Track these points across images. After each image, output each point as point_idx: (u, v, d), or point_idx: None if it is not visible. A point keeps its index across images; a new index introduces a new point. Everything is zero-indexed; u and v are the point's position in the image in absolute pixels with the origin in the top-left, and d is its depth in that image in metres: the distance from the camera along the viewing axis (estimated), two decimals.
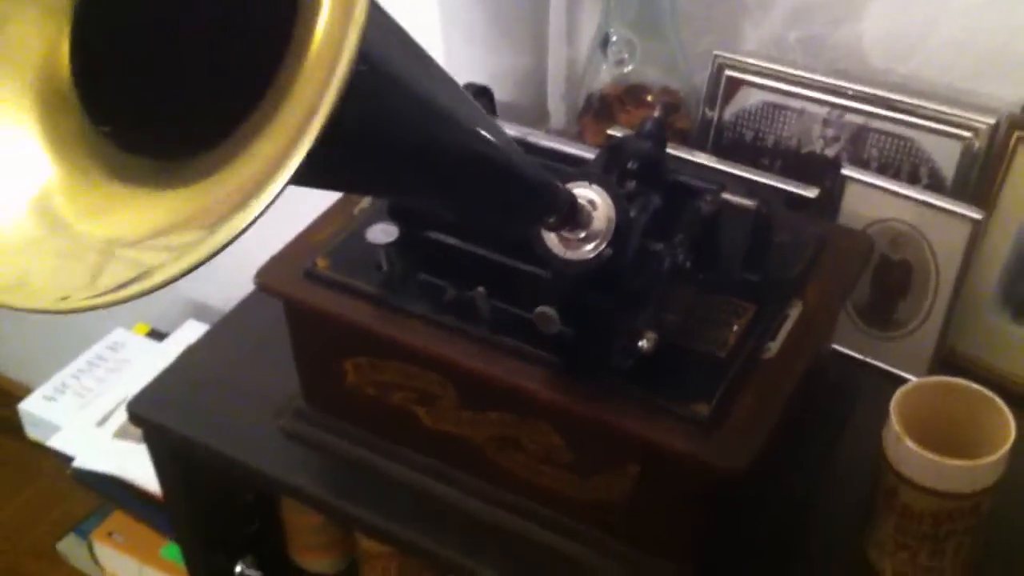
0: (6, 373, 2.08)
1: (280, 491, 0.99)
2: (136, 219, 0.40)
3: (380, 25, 0.44)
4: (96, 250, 0.39)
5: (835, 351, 0.96)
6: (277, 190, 0.35)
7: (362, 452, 0.91)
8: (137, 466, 1.35)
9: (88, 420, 1.44)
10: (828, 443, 0.91)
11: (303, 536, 1.13)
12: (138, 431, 0.99)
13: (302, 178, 0.37)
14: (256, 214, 0.35)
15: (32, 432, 1.49)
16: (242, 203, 0.35)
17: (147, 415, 0.97)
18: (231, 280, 1.02)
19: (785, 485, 0.87)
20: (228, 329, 1.04)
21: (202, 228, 0.36)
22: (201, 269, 0.93)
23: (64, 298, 0.38)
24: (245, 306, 1.05)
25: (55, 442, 1.42)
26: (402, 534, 0.87)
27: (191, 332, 1.54)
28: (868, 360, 0.96)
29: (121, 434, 1.41)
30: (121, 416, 1.43)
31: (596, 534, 0.82)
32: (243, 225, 0.35)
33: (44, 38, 0.44)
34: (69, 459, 1.39)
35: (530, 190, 0.65)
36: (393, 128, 0.45)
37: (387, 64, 0.45)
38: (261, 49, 0.38)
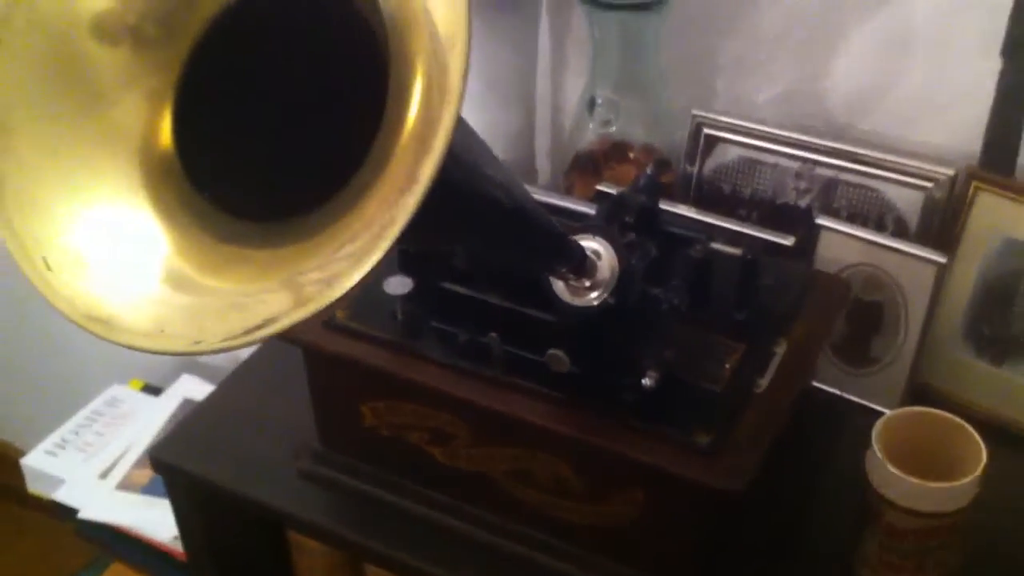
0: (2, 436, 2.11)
1: (297, 528, 1.04)
2: (254, 273, 0.46)
3: None
4: (222, 300, 0.45)
5: (814, 387, 1.03)
6: (386, 248, 0.41)
7: (377, 490, 0.96)
8: (140, 517, 1.39)
9: (91, 473, 1.48)
10: (812, 470, 0.98)
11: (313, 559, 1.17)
12: (141, 482, 1.05)
13: None
14: (368, 270, 0.42)
15: (34, 487, 1.53)
16: (357, 260, 0.41)
17: (168, 459, 1.02)
18: None
19: (776, 509, 0.94)
20: (244, 377, 1.09)
21: (320, 282, 0.42)
22: None
23: (197, 342, 0.44)
24: (260, 354, 1.11)
25: (60, 495, 1.45)
26: (416, 566, 0.93)
27: (186, 385, 1.59)
28: (845, 395, 1.03)
29: (124, 486, 1.45)
30: (124, 468, 1.47)
31: (605, 561, 0.88)
32: (357, 279, 0.42)
33: (146, 118, 0.50)
34: (73, 511, 1.42)
35: (550, 242, 0.72)
36: (459, 190, 0.52)
37: (461, 153, 0.51)
38: (354, 123, 0.44)
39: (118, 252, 0.48)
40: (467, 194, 0.54)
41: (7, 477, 1.59)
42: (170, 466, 1.02)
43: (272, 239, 0.47)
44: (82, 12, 0.49)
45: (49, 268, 0.48)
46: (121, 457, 1.50)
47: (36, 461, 1.52)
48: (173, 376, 1.65)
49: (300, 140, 0.48)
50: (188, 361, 1.71)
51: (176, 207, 0.50)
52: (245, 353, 1.12)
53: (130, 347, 0.48)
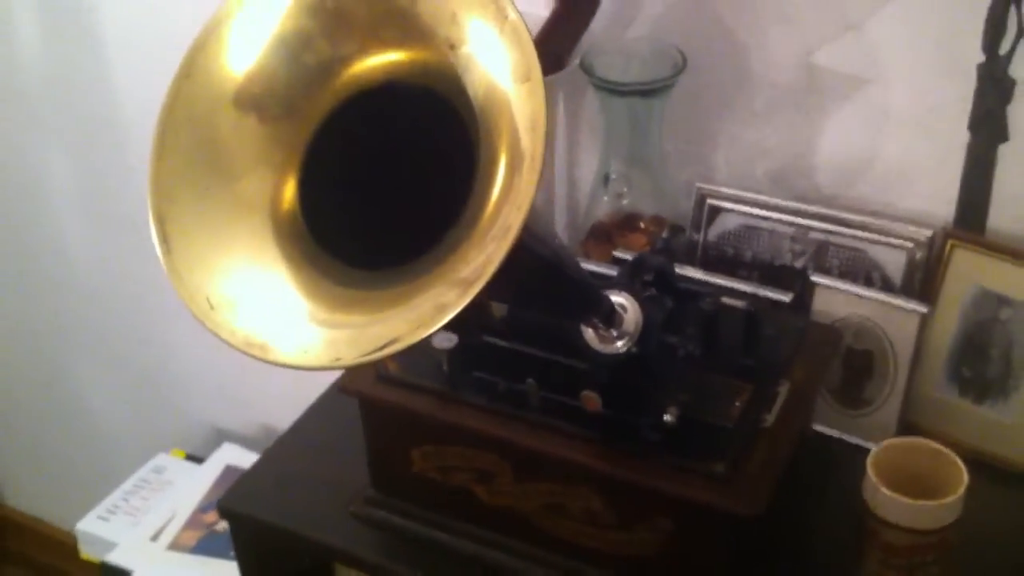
0: (52, 522, 2.21)
1: (351, 565, 1.14)
2: (371, 308, 0.57)
3: None
4: (349, 329, 0.57)
5: (815, 429, 1.14)
6: (486, 281, 0.53)
7: (425, 529, 1.06)
8: (190, 573, 1.49)
9: (142, 536, 1.57)
10: (816, 503, 1.08)
11: None
12: (190, 543, 1.14)
13: None
14: (472, 298, 0.53)
15: (87, 551, 1.62)
16: (463, 292, 0.53)
17: (234, 507, 1.12)
18: (251, 409, 1.20)
19: (785, 537, 1.04)
20: (299, 433, 1.20)
21: (433, 309, 0.54)
22: (233, 402, 1.20)
23: (337, 359, 0.56)
24: (312, 413, 1.21)
25: (113, 557, 1.55)
26: None
27: (228, 453, 1.70)
28: (842, 436, 1.14)
29: (175, 546, 1.55)
30: (173, 530, 1.57)
31: None
32: (464, 305, 0.53)
33: (273, 186, 0.62)
34: (127, 573, 1.52)
35: (585, 295, 0.84)
36: (525, 244, 0.64)
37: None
38: (449, 190, 0.57)
39: (260, 295, 0.60)
40: (530, 248, 0.65)
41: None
42: (236, 513, 1.12)
43: (381, 283, 0.58)
44: (227, 94, 0.61)
45: (212, 308, 0.59)
46: (170, 520, 1.60)
47: (89, 526, 1.62)
48: (214, 445, 1.76)
49: (404, 204, 0.60)
50: (220, 431, 1.83)
51: (301, 259, 0.62)
52: (286, 422, 1.22)
53: (283, 365, 0.59)
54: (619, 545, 0.97)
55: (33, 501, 2.27)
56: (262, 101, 0.63)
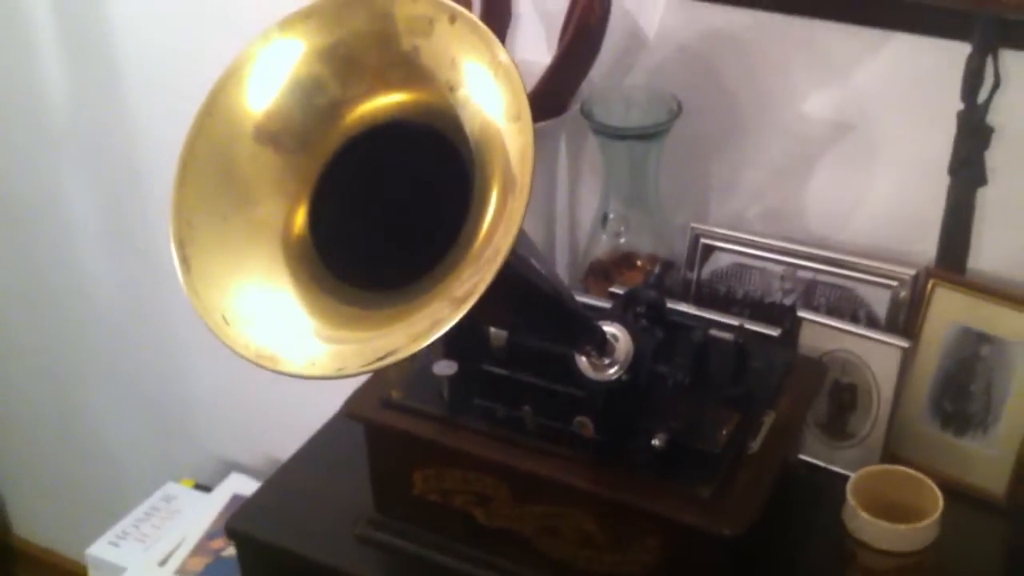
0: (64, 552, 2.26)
1: None
2: (372, 325, 0.63)
3: None
4: (353, 343, 0.62)
5: (802, 460, 1.19)
6: (477, 298, 0.58)
7: (425, 550, 1.11)
8: None
9: (150, 561, 1.62)
10: (803, 529, 1.12)
11: None
12: (197, 569, 1.19)
13: None
14: (464, 314, 0.59)
15: None
16: (456, 307, 0.59)
17: (241, 528, 1.17)
18: (259, 440, 1.25)
19: (774, 560, 1.08)
20: (304, 459, 1.25)
21: (428, 325, 0.59)
22: (242, 434, 1.27)
23: (340, 369, 0.61)
24: (317, 439, 1.26)
25: None
26: None
27: (235, 483, 1.74)
28: (828, 466, 1.18)
29: (181, 572, 1.59)
30: (180, 557, 1.62)
31: None
32: (456, 320, 0.59)
33: (285, 214, 0.68)
34: None
35: (579, 324, 0.89)
36: (517, 270, 0.69)
37: (520, 250, 0.69)
38: (446, 217, 0.62)
39: (271, 313, 0.65)
40: (523, 274, 0.71)
41: None
42: (243, 534, 1.17)
43: (383, 301, 0.64)
44: (246, 129, 0.67)
45: (227, 323, 0.65)
46: (177, 547, 1.64)
47: (99, 551, 1.67)
48: (222, 475, 1.81)
49: (406, 230, 0.66)
50: (227, 462, 1.88)
51: (310, 280, 0.67)
52: (288, 453, 1.27)
53: (291, 375, 0.64)
54: (612, 565, 1.02)
55: (45, 531, 2.31)
56: (279, 137, 0.69)
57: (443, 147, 0.65)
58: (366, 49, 0.67)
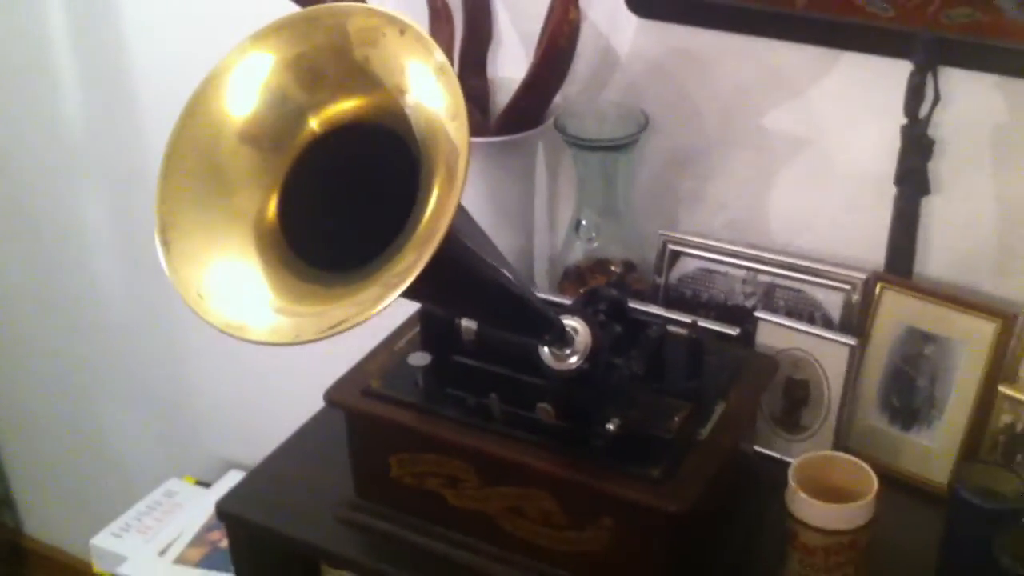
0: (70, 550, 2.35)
1: (334, 565, 1.26)
2: (328, 300, 0.71)
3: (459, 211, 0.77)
4: (309, 315, 0.70)
5: (758, 452, 1.26)
6: (411, 280, 0.67)
7: (401, 531, 1.18)
8: None
9: (151, 551, 1.70)
10: (757, 517, 1.20)
11: None
12: (195, 559, 1.27)
13: (407, 293, 0.70)
14: (399, 294, 0.67)
15: (99, 565, 1.75)
16: (393, 287, 0.67)
17: (231, 509, 1.25)
18: (258, 441, 1.34)
19: (728, 543, 1.16)
20: (291, 447, 1.33)
21: (373, 300, 0.68)
22: (241, 434, 1.38)
23: (298, 336, 0.69)
24: (304, 430, 1.34)
25: (123, 570, 1.68)
26: None
27: (234, 479, 1.82)
28: (784, 457, 1.26)
29: (180, 561, 1.68)
30: (180, 547, 1.70)
31: None
32: (393, 298, 0.67)
33: (259, 203, 0.77)
34: None
35: (536, 317, 0.98)
36: (459, 272, 0.78)
37: (460, 238, 0.78)
38: (396, 205, 0.70)
39: (241, 289, 0.74)
40: (466, 260, 0.79)
41: None
42: (232, 516, 1.25)
43: (340, 280, 0.72)
44: (226, 130, 0.76)
45: (201, 297, 0.73)
46: (177, 538, 1.73)
47: (102, 542, 1.75)
48: (222, 472, 1.89)
49: (361, 218, 0.75)
50: (228, 461, 1.97)
51: (277, 262, 0.76)
52: (279, 437, 1.35)
53: (255, 343, 0.72)
54: (571, 543, 1.09)
55: (53, 529, 2.40)
56: (256, 136, 0.78)
57: (396, 144, 0.74)
58: (326, 60, 0.76)
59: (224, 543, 1.68)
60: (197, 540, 1.71)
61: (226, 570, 1.64)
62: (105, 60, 1.79)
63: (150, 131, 1.80)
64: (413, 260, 0.67)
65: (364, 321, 0.68)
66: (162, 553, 1.69)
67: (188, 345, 1.97)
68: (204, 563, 1.66)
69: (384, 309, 0.68)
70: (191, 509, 1.80)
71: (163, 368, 2.04)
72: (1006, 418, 1.15)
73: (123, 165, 1.87)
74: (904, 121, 1.19)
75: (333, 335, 0.68)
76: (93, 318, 2.08)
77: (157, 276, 1.90)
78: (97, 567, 1.76)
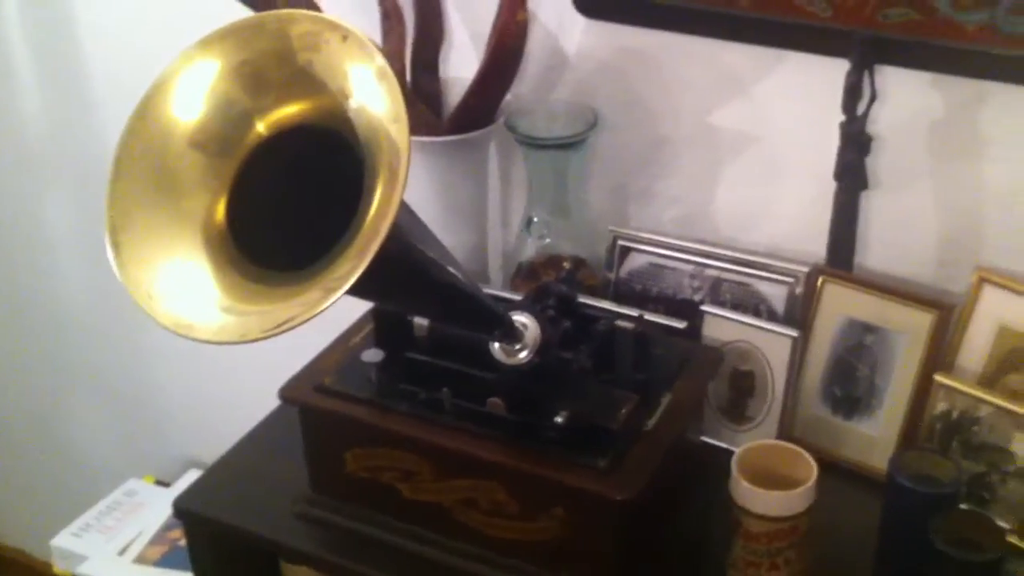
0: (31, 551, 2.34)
1: (291, 559, 1.28)
2: (275, 299, 0.73)
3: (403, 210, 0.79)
4: (256, 314, 0.73)
5: (705, 442, 1.29)
6: (354, 279, 0.69)
7: (356, 524, 1.21)
8: None
9: (111, 551, 1.72)
10: (704, 503, 1.23)
11: None
12: (154, 558, 1.28)
13: (353, 292, 0.72)
14: (343, 292, 0.69)
15: (60, 565, 1.76)
16: (336, 289, 0.69)
17: (189, 506, 1.26)
18: (217, 440, 1.36)
19: (676, 531, 1.19)
20: (248, 443, 1.34)
21: (318, 299, 0.70)
22: (201, 433, 1.40)
23: (244, 335, 0.71)
24: (260, 428, 1.36)
25: (84, 569, 1.69)
26: None
27: (194, 478, 1.83)
28: (730, 447, 1.29)
29: (140, 560, 1.69)
30: (139, 546, 1.72)
31: (539, 571, 1.12)
32: (336, 298, 0.69)
33: (207, 206, 0.79)
34: None
35: (485, 312, 1.00)
36: (405, 271, 0.80)
37: (405, 236, 0.80)
38: (340, 206, 0.73)
39: (190, 289, 0.76)
40: (411, 258, 0.82)
41: None
42: (190, 512, 1.27)
43: (286, 280, 0.75)
44: (174, 134, 0.78)
45: (151, 297, 0.75)
46: (137, 537, 1.74)
47: (63, 542, 1.76)
48: (182, 471, 1.91)
49: (308, 219, 0.77)
50: (188, 460, 1.98)
51: (225, 263, 0.78)
52: (238, 437, 1.37)
53: (204, 341, 0.74)
54: (523, 533, 1.12)
55: (12, 530, 2.39)
56: (203, 141, 0.80)
57: (342, 147, 0.76)
58: (270, 65, 0.78)
59: (183, 541, 1.69)
60: (157, 539, 1.73)
61: (185, 568, 1.64)
62: (63, 62, 1.79)
63: (108, 132, 1.81)
64: (357, 259, 0.69)
65: (308, 320, 0.70)
66: (122, 552, 1.71)
67: (149, 345, 1.98)
68: (163, 562, 1.68)
69: (328, 308, 0.71)
70: (151, 508, 1.81)
71: (123, 368, 2.05)
72: (942, 406, 1.19)
73: (82, 165, 1.87)
74: (843, 118, 1.22)
75: (279, 334, 0.70)
76: (53, 318, 2.09)
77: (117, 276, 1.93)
78: (58, 567, 1.77)
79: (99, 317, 2.03)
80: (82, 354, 2.09)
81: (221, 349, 1.88)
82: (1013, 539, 1.13)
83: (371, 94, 0.73)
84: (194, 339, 0.74)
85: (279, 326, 0.70)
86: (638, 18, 1.32)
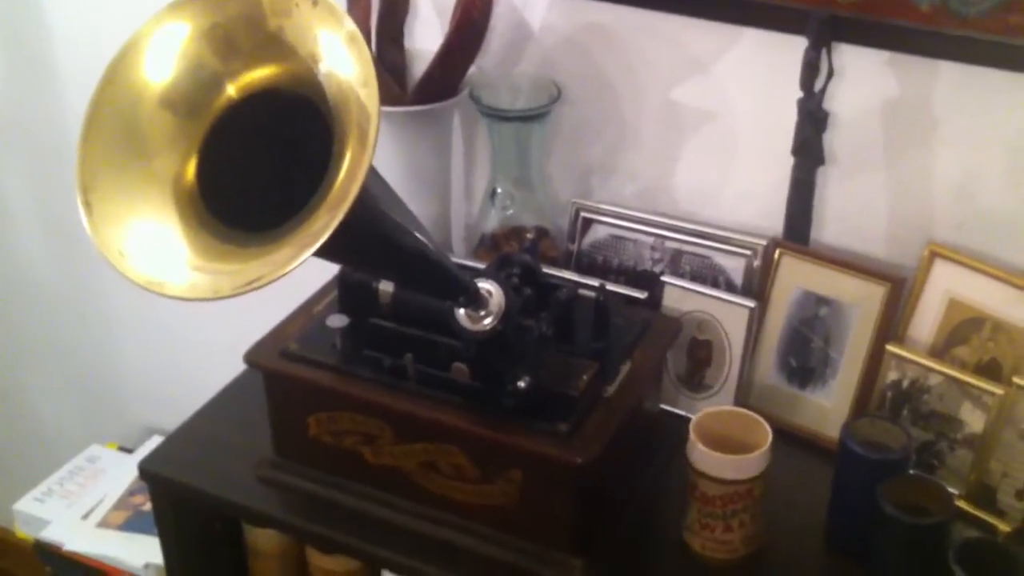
0: None
1: (254, 522, 1.29)
2: (244, 259, 0.75)
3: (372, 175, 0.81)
4: (226, 273, 0.74)
5: (664, 410, 1.32)
6: (322, 241, 0.71)
7: (320, 488, 1.22)
8: (117, 549, 1.64)
9: (74, 516, 1.72)
10: (662, 468, 1.26)
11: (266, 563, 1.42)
12: (118, 522, 1.29)
13: (322, 253, 0.73)
14: (310, 253, 0.71)
15: (23, 529, 1.77)
16: (305, 247, 0.71)
17: (153, 469, 1.28)
18: (179, 407, 1.37)
19: (634, 495, 1.22)
20: (213, 408, 1.36)
21: (287, 259, 0.72)
22: (163, 400, 1.40)
23: (216, 291, 0.73)
24: (225, 393, 1.37)
25: (47, 534, 1.69)
26: (348, 544, 1.19)
27: (156, 444, 1.84)
28: (688, 415, 1.31)
29: (103, 524, 1.70)
30: (103, 511, 1.72)
31: (498, 533, 1.15)
32: (306, 257, 0.71)
33: (177, 166, 0.80)
34: (59, 546, 1.66)
35: (451, 279, 1.02)
36: (373, 234, 0.81)
37: (374, 201, 0.82)
38: (311, 168, 0.74)
39: (161, 248, 0.77)
40: (379, 223, 0.83)
41: None
42: (154, 475, 1.28)
43: (256, 241, 0.76)
44: (144, 96, 0.79)
45: (122, 255, 0.77)
46: (100, 502, 1.75)
47: (26, 506, 1.77)
48: (144, 438, 1.91)
49: (279, 181, 0.78)
50: (151, 427, 1.99)
51: (196, 223, 0.79)
52: (200, 404, 1.38)
53: (175, 298, 0.76)
54: (483, 496, 1.14)
55: None
56: (173, 102, 0.81)
57: (312, 110, 0.77)
58: (240, 29, 0.79)
59: (147, 506, 1.71)
60: (120, 504, 1.73)
61: (149, 532, 1.66)
62: (25, 28, 1.78)
63: (70, 99, 1.80)
64: (326, 220, 0.71)
65: (279, 278, 0.72)
66: (85, 517, 1.71)
67: (110, 312, 1.98)
68: (127, 526, 1.69)
69: (297, 267, 0.72)
70: (113, 474, 1.82)
71: (85, 335, 2.05)
72: (893, 375, 1.23)
73: (43, 134, 1.87)
74: (800, 95, 1.25)
75: (249, 291, 0.72)
76: (14, 286, 2.08)
77: (78, 244, 1.93)
78: (21, 532, 1.78)
79: (58, 284, 2.02)
80: (41, 320, 2.09)
81: (181, 315, 1.88)
82: (960, 503, 1.17)
83: (341, 59, 0.75)
84: (166, 295, 0.76)
85: (249, 283, 0.71)
86: None
